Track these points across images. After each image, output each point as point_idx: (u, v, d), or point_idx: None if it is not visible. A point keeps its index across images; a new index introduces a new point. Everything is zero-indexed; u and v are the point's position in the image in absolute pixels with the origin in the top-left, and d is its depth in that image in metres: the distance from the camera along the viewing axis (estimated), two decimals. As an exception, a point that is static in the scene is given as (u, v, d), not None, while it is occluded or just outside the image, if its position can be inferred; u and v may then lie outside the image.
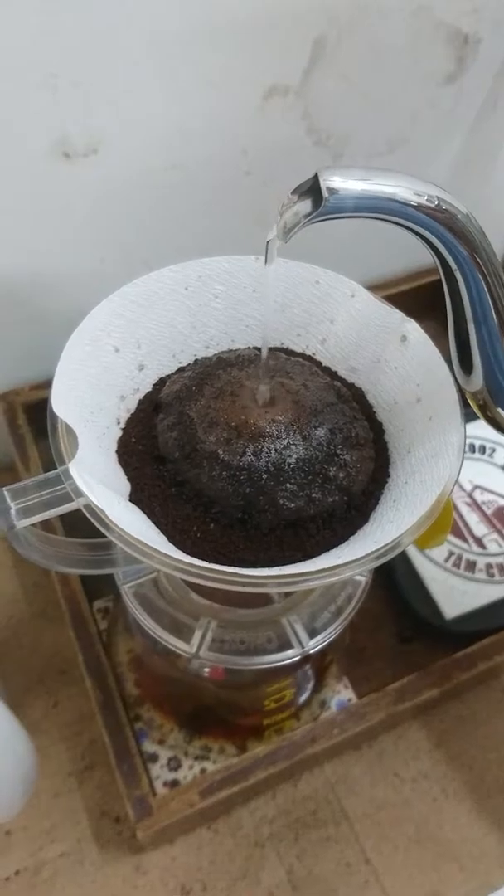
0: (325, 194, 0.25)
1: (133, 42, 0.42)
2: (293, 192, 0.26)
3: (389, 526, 0.30)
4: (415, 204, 0.26)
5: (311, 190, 0.26)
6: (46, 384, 0.58)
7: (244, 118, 0.49)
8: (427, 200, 0.26)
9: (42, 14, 0.39)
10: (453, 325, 0.30)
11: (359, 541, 0.31)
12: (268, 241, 0.28)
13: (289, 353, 0.38)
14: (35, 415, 0.56)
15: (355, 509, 0.32)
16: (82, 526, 0.30)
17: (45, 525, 0.43)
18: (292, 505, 0.30)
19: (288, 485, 0.30)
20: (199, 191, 0.52)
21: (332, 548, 0.31)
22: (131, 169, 0.49)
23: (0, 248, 0.49)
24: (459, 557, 0.54)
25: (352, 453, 0.32)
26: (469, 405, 0.33)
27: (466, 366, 0.31)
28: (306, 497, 0.30)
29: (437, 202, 0.26)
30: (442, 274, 0.28)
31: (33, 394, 0.57)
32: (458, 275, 0.28)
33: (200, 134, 0.49)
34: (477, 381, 0.31)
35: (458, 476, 0.30)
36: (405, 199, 0.26)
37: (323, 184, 0.25)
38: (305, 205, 0.26)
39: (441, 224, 0.26)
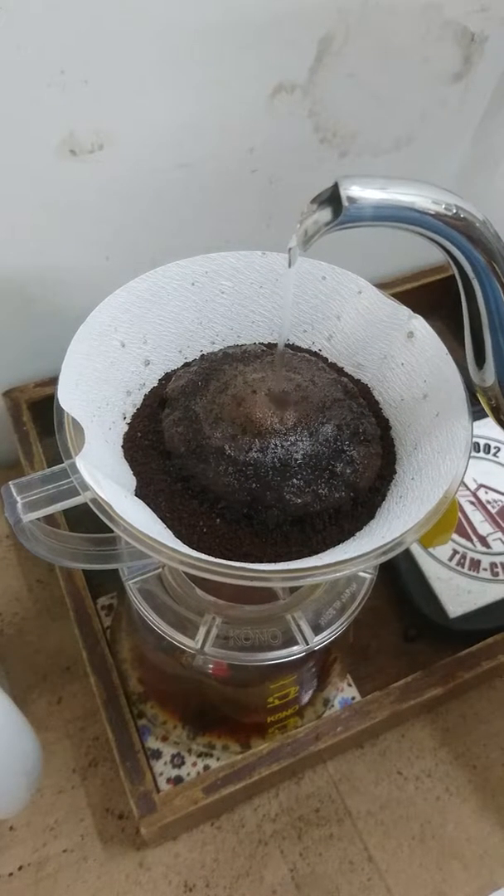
0: (345, 203, 0.25)
1: (141, 39, 0.42)
2: (312, 201, 0.27)
3: (396, 521, 0.30)
4: (433, 212, 0.26)
5: (331, 199, 0.26)
6: (51, 381, 0.58)
7: (251, 116, 0.49)
8: (445, 209, 0.26)
9: (51, 11, 0.39)
10: (469, 330, 0.30)
11: (365, 536, 0.31)
12: (289, 249, 0.28)
13: (295, 349, 0.38)
14: (39, 412, 0.57)
15: (362, 505, 0.32)
16: (86, 521, 0.30)
17: (48, 520, 0.43)
18: (299, 500, 0.30)
19: (294, 480, 0.30)
20: (206, 188, 0.52)
21: (339, 544, 0.31)
22: (138, 166, 0.49)
23: (6, 244, 0.49)
24: (464, 556, 0.54)
25: (359, 449, 0.32)
26: (476, 402, 0.33)
27: (481, 365, 0.31)
28: (313, 493, 0.30)
29: (454, 210, 0.26)
30: (459, 281, 0.29)
31: (38, 391, 0.57)
32: (475, 282, 0.28)
33: (207, 131, 0.49)
34: (489, 377, 0.31)
35: (465, 472, 0.30)
36: (424, 207, 0.26)
37: (343, 193, 0.25)
38: (325, 213, 0.26)
39: (459, 232, 0.27)
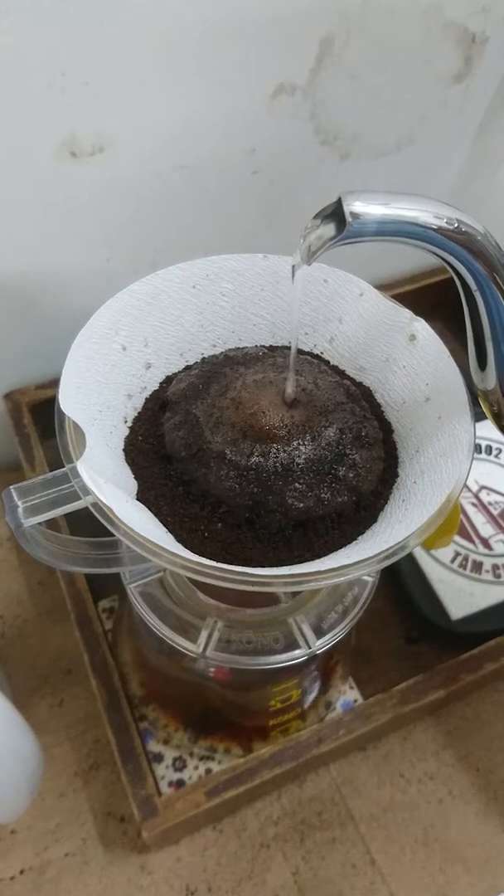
0: (349, 219, 0.25)
1: (141, 41, 0.42)
2: (316, 217, 0.27)
3: (398, 525, 0.29)
4: (435, 227, 0.26)
5: (334, 214, 0.26)
6: (52, 384, 0.58)
7: (252, 117, 0.49)
8: (447, 223, 0.26)
9: (51, 13, 0.39)
10: (472, 338, 0.30)
11: (367, 541, 0.30)
12: (293, 266, 0.29)
13: (297, 351, 0.37)
14: (40, 415, 0.56)
15: (364, 509, 0.32)
16: (87, 524, 0.30)
17: (50, 524, 0.43)
18: (301, 505, 0.30)
19: (297, 485, 0.30)
20: (207, 190, 0.52)
21: (341, 548, 0.31)
22: (138, 168, 0.49)
23: (6, 247, 0.49)
24: (466, 558, 0.54)
25: (361, 453, 0.32)
26: (478, 404, 0.33)
27: (483, 369, 0.31)
28: (315, 497, 0.30)
29: (456, 224, 0.27)
30: (461, 292, 0.29)
31: (38, 393, 0.57)
32: (477, 294, 0.28)
33: (208, 133, 0.49)
34: (491, 381, 0.31)
35: (467, 475, 0.30)
36: (426, 222, 0.26)
37: (346, 209, 0.25)
38: (329, 229, 0.26)
39: (461, 245, 0.27)
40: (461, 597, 0.52)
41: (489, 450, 0.59)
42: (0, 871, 0.44)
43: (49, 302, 0.54)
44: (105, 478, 0.29)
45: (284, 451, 0.30)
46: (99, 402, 0.33)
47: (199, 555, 0.29)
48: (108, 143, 0.46)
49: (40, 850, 0.45)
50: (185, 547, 0.30)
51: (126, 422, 0.34)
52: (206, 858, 0.45)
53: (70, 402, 0.30)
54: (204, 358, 0.37)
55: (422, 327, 0.35)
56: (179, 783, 0.47)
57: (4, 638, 0.53)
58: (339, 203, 0.26)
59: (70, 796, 0.47)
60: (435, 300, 0.55)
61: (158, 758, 0.48)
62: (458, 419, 0.32)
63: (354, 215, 0.25)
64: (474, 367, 0.32)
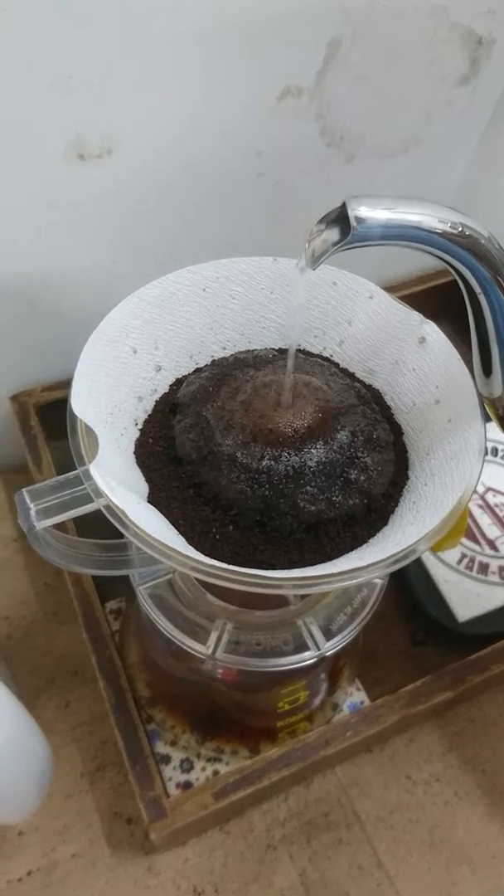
0: (353, 223, 0.26)
1: (147, 42, 0.42)
2: (320, 221, 0.27)
3: (410, 528, 0.30)
4: (440, 231, 0.27)
5: (339, 218, 0.26)
6: (58, 386, 0.58)
7: (258, 119, 0.49)
8: (451, 227, 0.27)
9: (58, 14, 0.39)
10: (477, 343, 0.30)
11: (378, 543, 0.30)
12: (298, 270, 0.29)
13: (306, 354, 0.37)
14: (47, 416, 0.56)
15: (375, 512, 0.32)
16: (95, 526, 0.30)
17: (58, 526, 0.44)
18: (312, 508, 0.30)
19: (308, 488, 0.30)
20: (213, 192, 0.52)
21: (352, 550, 0.31)
22: (145, 170, 0.49)
23: (12, 248, 0.49)
24: (472, 560, 0.54)
25: (373, 456, 0.32)
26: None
27: (488, 376, 0.31)
28: (327, 500, 0.30)
29: (460, 228, 0.27)
30: (466, 296, 0.29)
31: (45, 395, 0.57)
32: (481, 297, 0.29)
33: (214, 135, 0.49)
34: (497, 388, 0.31)
35: (479, 478, 0.30)
36: (430, 226, 0.27)
37: (350, 213, 0.26)
38: (333, 233, 0.27)
39: (465, 249, 0.27)
40: (468, 598, 0.52)
41: (495, 452, 0.59)
42: (7, 872, 0.44)
43: (55, 303, 0.54)
44: (116, 480, 0.29)
45: (296, 454, 0.30)
46: (110, 404, 0.33)
47: (211, 557, 0.29)
48: (116, 145, 0.46)
49: (47, 851, 0.45)
50: (197, 549, 0.30)
51: (136, 424, 0.35)
52: (212, 860, 0.45)
53: (82, 404, 0.31)
54: (214, 360, 0.37)
55: (432, 330, 0.35)
56: (187, 785, 0.47)
57: (11, 639, 0.53)
58: (343, 207, 0.26)
59: (77, 797, 0.47)
60: (444, 301, 0.55)
61: (166, 759, 0.48)
62: (468, 422, 0.32)
63: (359, 220, 0.26)
64: (479, 373, 0.32)
